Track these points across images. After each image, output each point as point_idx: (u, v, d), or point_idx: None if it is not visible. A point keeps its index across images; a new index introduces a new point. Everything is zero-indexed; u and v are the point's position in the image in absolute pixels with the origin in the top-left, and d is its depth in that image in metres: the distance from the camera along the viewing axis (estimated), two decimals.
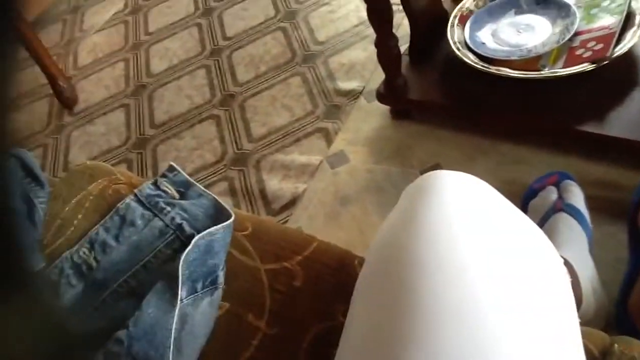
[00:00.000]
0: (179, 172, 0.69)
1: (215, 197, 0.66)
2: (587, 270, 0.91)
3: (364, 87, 1.50)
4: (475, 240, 0.46)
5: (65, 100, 1.80)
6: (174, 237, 0.63)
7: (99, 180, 0.71)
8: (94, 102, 1.81)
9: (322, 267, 0.59)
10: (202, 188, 0.68)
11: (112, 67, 1.93)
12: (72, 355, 0.23)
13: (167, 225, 0.64)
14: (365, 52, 1.60)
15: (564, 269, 0.55)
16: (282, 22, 1.82)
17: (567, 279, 0.51)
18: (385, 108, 1.40)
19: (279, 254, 0.60)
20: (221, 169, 1.45)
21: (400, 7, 1.27)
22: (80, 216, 0.67)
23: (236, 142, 1.50)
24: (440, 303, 0.42)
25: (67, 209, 0.68)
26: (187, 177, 0.69)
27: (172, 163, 0.70)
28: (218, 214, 0.63)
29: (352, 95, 1.49)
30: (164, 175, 0.69)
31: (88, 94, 1.86)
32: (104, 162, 1.58)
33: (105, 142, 1.67)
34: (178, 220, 0.64)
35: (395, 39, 1.26)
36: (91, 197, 0.69)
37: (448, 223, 0.47)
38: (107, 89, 1.84)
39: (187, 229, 0.63)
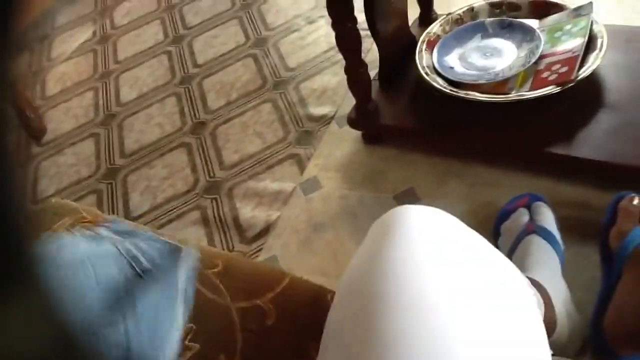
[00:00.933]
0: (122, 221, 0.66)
1: (166, 240, 0.63)
2: (560, 293, 0.91)
3: (335, 112, 1.50)
4: (442, 275, 0.46)
5: (33, 131, 1.77)
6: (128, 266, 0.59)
7: (65, 219, 0.69)
8: (63, 132, 1.78)
9: (295, 304, 0.58)
10: (151, 232, 0.65)
11: (81, 97, 1.90)
12: (72, 356, 0.22)
13: (120, 253, 0.60)
14: (336, 77, 1.60)
15: (534, 300, 0.55)
16: (252, 48, 1.83)
17: (538, 310, 0.51)
18: (357, 133, 1.40)
19: (250, 291, 0.59)
20: (193, 198, 1.43)
21: (369, 33, 1.28)
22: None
23: (208, 171, 1.49)
24: (409, 340, 0.42)
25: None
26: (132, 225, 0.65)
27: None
28: (173, 252, 0.61)
29: (324, 120, 1.50)
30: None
31: (56, 123, 1.83)
32: (74, 193, 1.56)
33: (75, 172, 1.64)
34: (134, 251, 0.60)
35: (364, 64, 1.27)
36: None
37: (414, 259, 0.47)
38: (76, 119, 1.82)
39: (144, 262, 0.60)
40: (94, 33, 2.19)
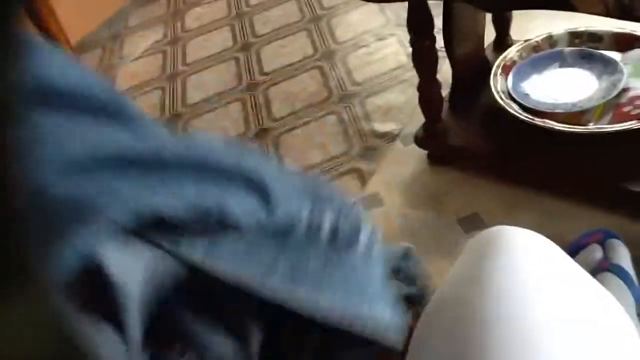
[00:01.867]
0: None
1: None
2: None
3: (400, 130, 1.49)
4: (547, 301, 0.45)
5: None
6: None
7: None
8: None
9: None
10: None
11: (148, 95, 1.95)
12: (72, 356, 0.22)
13: None
14: (403, 95, 1.59)
15: (636, 334, 0.52)
16: (319, 61, 1.84)
17: (637, 342, 0.49)
18: (422, 152, 1.38)
19: None
20: None
21: (443, 52, 1.27)
22: None
23: None
24: (509, 357, 0.41)
25: None
26: None
27: None
28: None
29: (389, 137, 1.49)
30: None
31: None
32: None
33: None
34: None
35: (438, 84, 1.26)
36: None
37: (519, 282, 0.46)
38: None
39: None
40: (165, 35, 2.25)
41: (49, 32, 1.62)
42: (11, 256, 0.19)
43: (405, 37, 1.82)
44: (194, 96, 1.87)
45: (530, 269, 0.47)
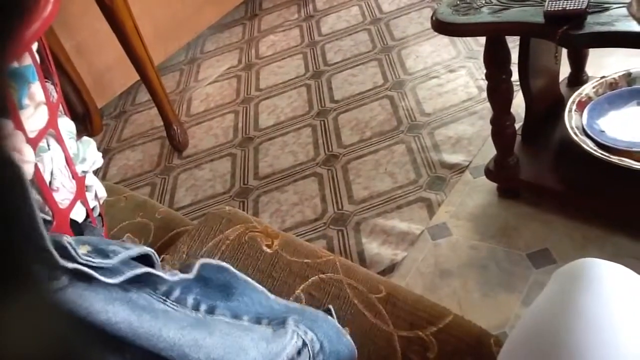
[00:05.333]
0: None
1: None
2: None
3: (470, 162, 1.50)
4: (634, 331, 0.46)
5: (176, 144, 1.91)
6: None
7: (237, 226, 0.74)
8: (203, 149, 1.90)
9: (457, 342, 0.58)
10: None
11: (222, 118, 2.03)
12: (72, 356, 0.23)
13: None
14: (473, 127, 1.61)
15: None
16: (389, 90, 1.87)
17: None
18: (491, 185, 1.39)
19: (413, 322, 0.60)
20: (320, 227, 1.47)
21: (516, 86, 1.28)
22: (216, 258, 0.70)
23: (337, 202, 1.53)
24: None
25: (204, 249, 0.71)
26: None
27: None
28: None
29: (458, 168, 1.50)
30: None
31: (198, 140, 1.95)
32: (208, 207, 1.66)
33: (210, 187, 1.74)
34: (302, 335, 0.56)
35: (512, 117, 1.27)
36: (227, 241, 0.72)
37: (608, 313, 0.47)
38: (216, 138, 1.94)
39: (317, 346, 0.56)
40: (239, 61, 2.34)
41: (137, 54, 1.72)
42: (11, 256, 0.19)
43: (476, 69, 1.84)
44: (266, 120, 1.94)
45: (619, 300, 0.48)
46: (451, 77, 1.83)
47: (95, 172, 0.83)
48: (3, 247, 0.20)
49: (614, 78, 1.36)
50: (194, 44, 2.53)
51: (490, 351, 0.57)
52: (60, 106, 0.73)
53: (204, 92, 2.21)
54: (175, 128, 1.90)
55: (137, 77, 1.89)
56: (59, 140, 0.68)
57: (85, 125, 2.08)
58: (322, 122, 1.84)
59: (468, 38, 1.91)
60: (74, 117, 1.16)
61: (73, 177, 0.70)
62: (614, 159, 1.16)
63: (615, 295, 0.49)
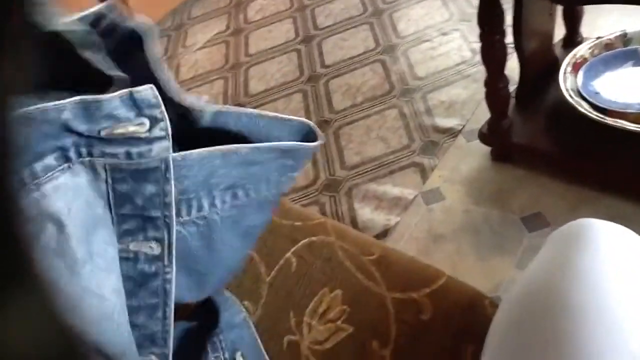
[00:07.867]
0: None
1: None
2: None
3: (463, 126, 1.48)
4: (628, 290, 0.45)
5: None
6: None
7: None
8: None
9: (451, 304, 0.57)
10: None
11: (211, 84, 1.99)
12: (71, 356, 0.22)
13: None
14: (466, 90, 1.58)
15: None
16: (381, 54, 1.84)
17: None
18: (485, 149, 1.37)
19: (406, 284, 0.59)
20: (313, 193, 1.46)
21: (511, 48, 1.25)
22: None
23: (329, 168, 1.51)
24: (600, 353, 0.41)
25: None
26: None
27: None
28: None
29: (451, 133, 1.48)
30: None
31: None
32: None
33: None
34: None
35: (505, 79, 1.25)
36: None
37: (607, 272, 0.46)
38: None
39: None
40: (227, 26, 2.29)
41: None
42: (11, 256, 0.19)
43: (469, 32, 1.81)
44: (255, 87, 1.90)
45: (617, 259, 0.47)
46: (444, 40, 1.80)
47: None
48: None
49: (609, 39, 1.33)
50: (181, 9, 2.47)
51: (485, 313, 0.56)
52: None
53: (192, 59, 2.17)
54: None
55: None
56: None
57: None
58: (313, 88, 1.81)
59: (461, 0, 1.88)
60: None
61: None
62: (609, 120, 1.15)
63: (614, 255, 0.48)
